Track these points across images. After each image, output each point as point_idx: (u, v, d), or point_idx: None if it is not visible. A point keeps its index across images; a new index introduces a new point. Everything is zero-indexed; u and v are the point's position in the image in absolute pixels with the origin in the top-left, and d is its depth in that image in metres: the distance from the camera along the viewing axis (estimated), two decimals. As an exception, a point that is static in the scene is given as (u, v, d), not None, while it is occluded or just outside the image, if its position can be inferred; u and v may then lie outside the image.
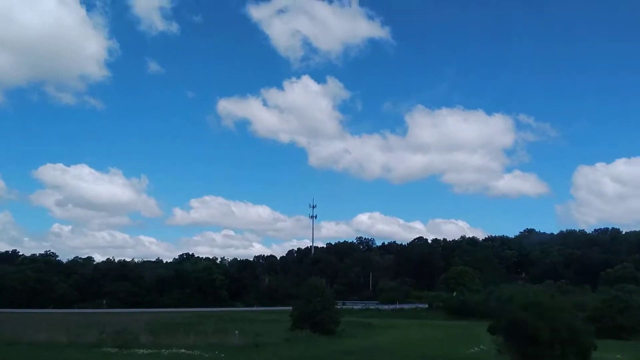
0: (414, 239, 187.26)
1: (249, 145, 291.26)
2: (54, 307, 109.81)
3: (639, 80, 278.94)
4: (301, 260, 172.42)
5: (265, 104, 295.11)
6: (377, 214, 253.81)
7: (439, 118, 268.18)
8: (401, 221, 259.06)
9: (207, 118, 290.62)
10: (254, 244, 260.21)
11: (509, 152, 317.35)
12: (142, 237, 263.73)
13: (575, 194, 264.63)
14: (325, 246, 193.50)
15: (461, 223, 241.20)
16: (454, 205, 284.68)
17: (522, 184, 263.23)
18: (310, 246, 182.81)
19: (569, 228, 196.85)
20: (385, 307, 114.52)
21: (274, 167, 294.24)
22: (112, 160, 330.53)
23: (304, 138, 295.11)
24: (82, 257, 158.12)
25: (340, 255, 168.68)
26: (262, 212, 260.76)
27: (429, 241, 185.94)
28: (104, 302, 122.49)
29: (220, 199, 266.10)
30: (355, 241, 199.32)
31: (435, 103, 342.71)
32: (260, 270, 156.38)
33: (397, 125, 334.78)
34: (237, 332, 48.14)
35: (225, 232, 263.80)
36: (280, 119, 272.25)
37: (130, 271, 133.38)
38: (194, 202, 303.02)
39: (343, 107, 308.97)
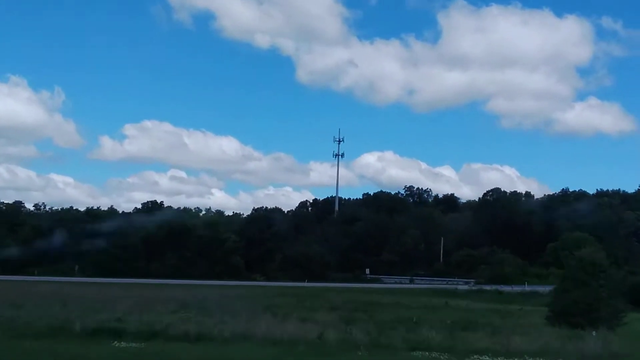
0: (487, 192, 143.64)
1: (212, 50, 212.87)
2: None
3: None
4: (320, 216, 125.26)
5: None
6: (389, 154, 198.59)
7: (486, 19, 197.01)
8: (424, 165, 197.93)
9: (151, 9, 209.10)
10: (214, 190, 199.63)
11: (584, 72, 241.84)
12: (54, 176, 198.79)
13: None
14: (349, 198, 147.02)
15: (508, 170, 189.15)
16: (500, 145, 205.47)
17: (599, 117, 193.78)
18: (334, 197, 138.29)
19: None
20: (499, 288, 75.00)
21: (247, 82, 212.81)
22: (11, 65, 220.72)
23: (291, 42, 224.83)
24: None
25: (388, 211, 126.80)
26: (227, 146, 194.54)
27: (523, 194, 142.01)
28: (76, 268, 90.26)
29: (167, 126, 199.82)
30: (402, 192, 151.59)
31: None
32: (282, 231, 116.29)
33: (425, 27, 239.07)
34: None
35: (173, 172, 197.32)
36: (258, 13, 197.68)
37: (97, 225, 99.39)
38: (129, 129, 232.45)
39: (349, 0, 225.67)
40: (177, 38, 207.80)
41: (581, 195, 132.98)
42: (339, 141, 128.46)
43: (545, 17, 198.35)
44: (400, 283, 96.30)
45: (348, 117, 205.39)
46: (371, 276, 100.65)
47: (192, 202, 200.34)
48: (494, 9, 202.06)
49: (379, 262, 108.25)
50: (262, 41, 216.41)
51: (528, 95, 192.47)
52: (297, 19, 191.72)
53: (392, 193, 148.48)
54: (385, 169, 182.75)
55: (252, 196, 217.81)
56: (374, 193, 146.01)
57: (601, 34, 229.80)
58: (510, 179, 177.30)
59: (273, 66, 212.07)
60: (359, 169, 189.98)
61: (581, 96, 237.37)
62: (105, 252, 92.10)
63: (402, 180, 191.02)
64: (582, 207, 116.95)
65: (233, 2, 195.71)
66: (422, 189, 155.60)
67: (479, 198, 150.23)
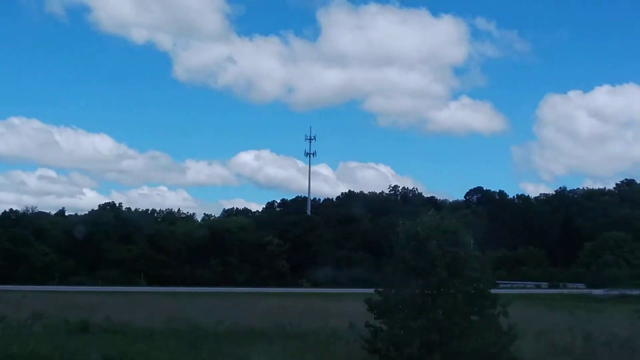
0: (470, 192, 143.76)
1: (86, 44, 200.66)
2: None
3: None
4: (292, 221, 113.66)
5: None
6: (266, 153, 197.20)
7: (365, 17, 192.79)
8: (300, 164, 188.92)
9: (21, 0, 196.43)
10: (85, 190, 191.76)
11: (459, 71, 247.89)
12: None
13: (539, 133, 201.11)
14: (319, 199, 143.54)
15: (383, 169, 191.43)
16: (376, 144, 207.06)
17: (471, 116, 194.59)
18: (300, 197, 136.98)
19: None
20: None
21: (122, 78, 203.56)
22: None
23: (168, 37, 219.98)
24: None
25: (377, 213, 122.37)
26: (100, 144, 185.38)
27: (533, 196, 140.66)
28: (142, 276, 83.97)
29: (35, 123, 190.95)
30: (387, 192, 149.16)
31: None
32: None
33: (305, 24, 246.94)
34: None
35: (41, 171, 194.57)
36: (135, 6, 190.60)
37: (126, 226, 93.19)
38: None
39: None
40: (48, 31, 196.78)
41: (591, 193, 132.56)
42: (310, 139, 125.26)
43: (422, 17, 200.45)
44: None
45: (226, 115, 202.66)
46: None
47: (61, 203, 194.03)
48: (373, 7, 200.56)
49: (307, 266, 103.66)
50: (139, 36, 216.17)
51: (405, 94, 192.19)
52: (176, 13, 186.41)
53: (373, 192, 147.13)
54: (262, 168, 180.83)
55: (125, 196, 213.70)
56: (345, 193, 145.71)
57: (476, 34, 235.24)
58: (385, 177, 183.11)
59: (149, 62, 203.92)
60: (235, 168, 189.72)
61: (455, 95, 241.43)
62: (147, 258, 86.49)
63: (279, 179, 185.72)
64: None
65: None
66: (407, 188, 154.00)
67: (465, 198, 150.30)
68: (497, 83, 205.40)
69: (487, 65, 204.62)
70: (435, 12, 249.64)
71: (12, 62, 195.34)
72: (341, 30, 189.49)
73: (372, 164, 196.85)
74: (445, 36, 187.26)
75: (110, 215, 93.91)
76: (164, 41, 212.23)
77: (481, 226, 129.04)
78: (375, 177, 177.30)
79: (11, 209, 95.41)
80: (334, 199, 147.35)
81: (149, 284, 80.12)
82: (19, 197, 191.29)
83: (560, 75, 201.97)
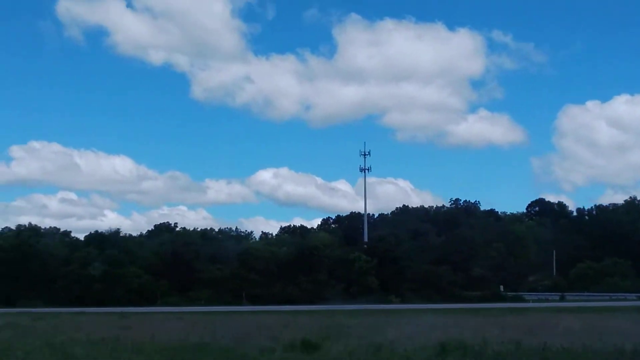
0: (557, 204, 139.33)
1: (104, 66, 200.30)
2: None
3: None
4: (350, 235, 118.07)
5: (130, 4, 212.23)
6: (284, 170, 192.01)
7: (381, 33, 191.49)
8: (319, 180, 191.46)
9: (40, 24, 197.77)
10: (106, 212, 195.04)
11: (476, 84, 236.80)
12: None
13: (558, 144, 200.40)
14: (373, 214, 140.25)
15: (403, 183, 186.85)
16: (395, 158, 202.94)
17: (489, 128, 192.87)
18: (355, 213, 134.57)
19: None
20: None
21: (140, 100, 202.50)
22: None
23: (186, 58, 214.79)
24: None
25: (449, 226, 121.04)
26: (120, 165, 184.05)
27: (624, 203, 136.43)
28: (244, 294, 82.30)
29: (56, 146, 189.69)
30: (448, 204, 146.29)
31: (376, 12, 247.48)
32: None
33: (321, 42, 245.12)
34: None
35: (62, 194, 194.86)
36: (152, 28, 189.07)
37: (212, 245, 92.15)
38: (16, 151, 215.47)
39: (247, 14, 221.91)
40: (66, 53, 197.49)
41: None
42: (365, 154, 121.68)
43: (438, 31, 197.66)
44: (548, 301, 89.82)
45: (244, 134, 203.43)
46: (511, 294, 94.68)
47: (83, 225, 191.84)
48: (389, 23, 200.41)
49: (469, 278, 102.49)
50: (156, 57, 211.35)
51: (422, 108, 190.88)
52: (193, 34, 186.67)
53: (430, 207, 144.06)
54: (281, 185, 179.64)
55: (145, 216, 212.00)
56: (399, 208, 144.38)
57: (492, 46, 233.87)
58: (404, 191, 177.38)
59: (167, 83, 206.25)
60: (254, 186, 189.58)
61: (473, 108, 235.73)
62: (240, 277, 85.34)
63: (298, 196, 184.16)
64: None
65: (126, 17, 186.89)
66: (469, 201, 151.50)
67: (526, 210, 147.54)
68: (515, 95, 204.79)
69: (504, 77, 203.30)
70: (451, 26, 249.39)
71: (31, 87, 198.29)
72: (357, 46, 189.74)
73: (392, 179, 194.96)
74: (461, 50, 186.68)
75: (197, 235, 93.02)
76: (182, 62, 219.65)
77: (555, 238, 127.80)
78: (394, 192, 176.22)
79: (96, 231, 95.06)
80: (389, 214, 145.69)
81: (253, 303, 78.93)
82: (41, 219, 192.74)
83: (578, 86, 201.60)
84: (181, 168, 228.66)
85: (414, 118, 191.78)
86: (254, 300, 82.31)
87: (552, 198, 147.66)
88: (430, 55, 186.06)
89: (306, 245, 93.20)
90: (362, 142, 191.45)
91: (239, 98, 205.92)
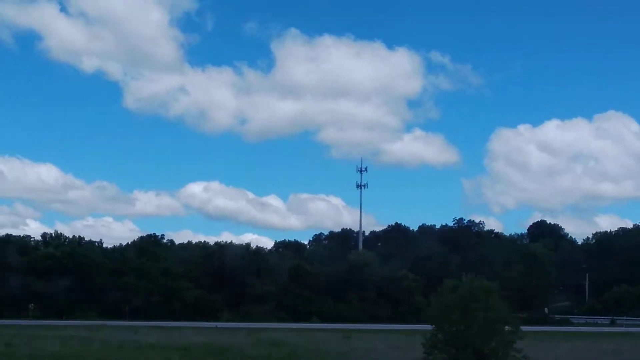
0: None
1: (34, 72, 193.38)
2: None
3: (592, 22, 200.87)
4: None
5: (64, 9, 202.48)
6: (215, 184, 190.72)
7: (319, 49, 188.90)
8: (251, 195, 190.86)
9: None
10: (29, 221, 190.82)
11: (413, 104, 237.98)
12: None
13: (489, 166, 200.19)
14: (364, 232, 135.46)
15: (335, 200, 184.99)
16: (327, 176, 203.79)
17: (423, 148, 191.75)
18: (356, 232, 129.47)
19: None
20: None
21: (70, 108, 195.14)
22: None
23: (119, 66, 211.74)
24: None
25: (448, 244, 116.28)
26: (46, 174, 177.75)
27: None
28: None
29: None
30: (452, 224, 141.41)
31: (316, 28, 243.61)
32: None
33: (259, 55, 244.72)
34: None
35: None
36: (86, 34, 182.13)
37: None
38: None
39: (185, 24, 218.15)
40: None
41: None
42: (361, 170, 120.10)
43: (377, 49, 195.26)
44: (597, 325, 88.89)
45: (177, 146, 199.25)
46: (559, 317, 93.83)
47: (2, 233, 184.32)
48: (327, 39, 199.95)
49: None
50: (89, 64, 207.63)
51: (358, 126, 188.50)
52: (128, 41, 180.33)
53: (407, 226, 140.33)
54: (212, 199, 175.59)
55: (69, 227, 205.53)
56: (392, 226, 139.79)
57: (430, 67, 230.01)
58: (336, 208, 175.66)
59: (99, 91, 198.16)
60: (184, 199, 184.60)
61: (408, 127, 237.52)
62: (293, 293, 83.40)
63: (228, 210, 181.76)
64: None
65: (59, 22, 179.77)
66: (473, 221, 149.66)
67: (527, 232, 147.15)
68: (450, 116, 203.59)
69: (440, 98, 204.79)
70: (390, 45, 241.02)
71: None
72: (295, 61, 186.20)
73: (323, 196, 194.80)
74: (399, 69, 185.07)
75: (242, 249, 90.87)
76: (115, 70, 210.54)
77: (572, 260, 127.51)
78: (325, 209, 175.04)
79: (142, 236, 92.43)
80: (381, 232, 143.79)
81: (305, 320, 77.13)
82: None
83: (511, 109, 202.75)
84: (109, 178, 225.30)
85: (349, 135, 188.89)
86: (305, 317, 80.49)
87: (479, 219, 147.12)
88: (369, 73, 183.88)
89: (355, 263, 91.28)
90: (294, 159, 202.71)
91: (173, 109, 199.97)
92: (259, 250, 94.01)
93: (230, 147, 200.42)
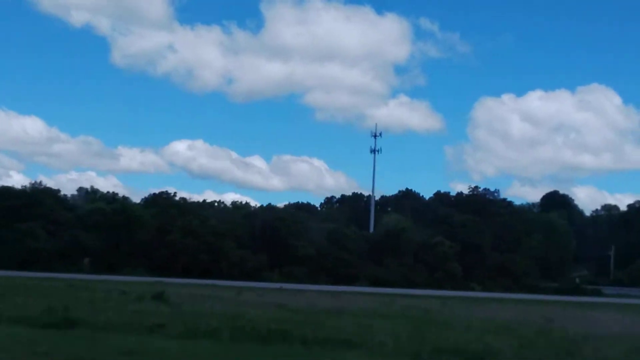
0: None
1: (22, 23, 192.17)
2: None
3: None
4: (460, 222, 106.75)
5: None
6: (199, 143, 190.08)
7: (309, 12, 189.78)
8: (234, 155, 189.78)
9: None
10: (12, 172, 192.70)
11: (400, 70, 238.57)
12: None
13: (472, 134, 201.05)
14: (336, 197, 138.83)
15: (317, 163, 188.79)
16: (311, 138, 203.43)
17: (408, 114, 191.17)
18: (367, 195, 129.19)
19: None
20: None
21: (58, 61, 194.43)
22: None
23: (108, 21, 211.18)
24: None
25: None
26: (31, 126, 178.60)
27: None
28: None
29: None
30: (469, 192, 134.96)
31: None
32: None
33: (248, 16, 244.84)
34: None
35: None
36: None
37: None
38: None
39: None
40: None
41: None
42: (375, 136, 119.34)
43: (366, 14, 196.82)
44: (630, 297, 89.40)
45: (163, 103, 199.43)
46: (591, 287, 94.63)
47: None
48: (318, 3, 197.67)
49: (540, 269, 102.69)
50: (77, 18, 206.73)
51: (345, 90, 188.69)
52: None
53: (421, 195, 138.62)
54: (196, 158, 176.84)
55: (53, 180, 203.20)
56: (402, 191, 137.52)
57: (419, 34, 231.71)
58: (318, 171, 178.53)
59: (86, 46, 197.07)
60: (168, 156, 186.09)
61: (394, 93, 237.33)
62: (333, 255, 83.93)
63: (212, 169, 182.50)
64: None
65: None
66: (488, 189, 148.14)
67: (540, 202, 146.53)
68: (436, 83, 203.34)
69: (428, 65, 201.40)
70: (380, 10, 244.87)
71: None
72: (285, 23, 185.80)
73: (306, 158, 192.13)
74: (388, 34, 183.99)
75: (281, 211, 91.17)
76: (104, 25, 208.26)
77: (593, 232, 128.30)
78: (307, 171, 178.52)
79: (183, 198, 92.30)
80: (392, 197, 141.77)
81: (347, 284, 77.58)
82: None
83: (496, 79, 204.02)
84: (94, 133, 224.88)
85: (335, 99, 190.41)
86: (348, 281, 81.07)
87: (461, 187, 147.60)
88: (357, 38, 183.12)
89: (393, 227, 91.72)
90: (279, 121, 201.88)
91: (161, 67, 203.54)
92: (297, 212, 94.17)
93: (216, 106, 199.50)
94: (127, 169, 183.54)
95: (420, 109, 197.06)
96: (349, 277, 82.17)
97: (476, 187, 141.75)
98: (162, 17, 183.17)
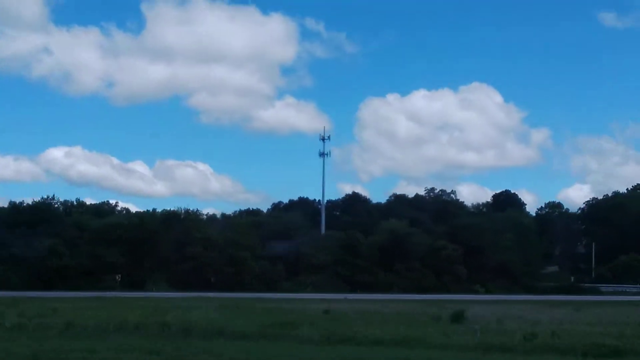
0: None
1: None
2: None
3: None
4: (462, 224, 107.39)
5: None
6: (78, 149, 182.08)
7: (192, 12, 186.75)
8: (115, 160, 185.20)
9: None
10: None
11: (287, 71, 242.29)
12: None
13: (359, 134, 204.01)
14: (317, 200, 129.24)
15: (202, 167, 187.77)
16: (196, 142, 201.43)
17: (295, 115, 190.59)
18: (317, 201, 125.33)
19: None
20: None
21: None
22: None
23: None
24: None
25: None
26: None
27: None
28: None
29: None
30: (425, 194, 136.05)
31: None
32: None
33: (128, 17, 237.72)
34: None
35: None
36: None
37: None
38: None
39: None
40: None
41: None
42: (324, 139, 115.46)
43: (251, 14, 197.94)
44: (626, 293, 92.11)
45: (38, 109, 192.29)
46: (588, 285, 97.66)
47: None
48: (201, 2, 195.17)
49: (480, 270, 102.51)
50: None
51: (230, 92, 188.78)
52: None
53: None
54: (74, 165, 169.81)
55: None
56: (349, 195, 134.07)
57: (305, 34, 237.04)
58: (204, 175, 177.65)
59: None
60: (45, 164, 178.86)
61: (281, 94, 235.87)
62: (348, 263, 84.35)
63: (91, 176, 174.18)
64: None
65: None
66: (445, 191, 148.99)
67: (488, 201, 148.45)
68: (323, 83, 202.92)
69: (314, 65, 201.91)
70: (265, 10, 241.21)
71: None
72: (167, 24, 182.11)
73: (191, 162, 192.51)
74: (274, 35, 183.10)
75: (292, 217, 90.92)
76: None
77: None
78: (192, 176, 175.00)
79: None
80: (339, 201, 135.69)
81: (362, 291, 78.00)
82: None
83: (381, 79, 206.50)
84: None
85: (220, 101, 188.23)
86: (361, 288, 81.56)
87: (348, 188, 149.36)
88: (242, 39, 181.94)
89: (399, 232, 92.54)
90: (163, 125, 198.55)
91: (36, 70, 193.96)
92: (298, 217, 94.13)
93: (96, 111, 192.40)
94: (1, 178, 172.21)
95: (306, 109, 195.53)
96: (364, 284, 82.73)
97: (432, 188, 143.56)
98: (36, 18, 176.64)
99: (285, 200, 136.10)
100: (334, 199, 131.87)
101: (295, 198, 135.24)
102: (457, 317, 29.42)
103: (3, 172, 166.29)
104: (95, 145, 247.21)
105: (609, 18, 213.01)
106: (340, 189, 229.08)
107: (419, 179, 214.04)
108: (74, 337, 22.12)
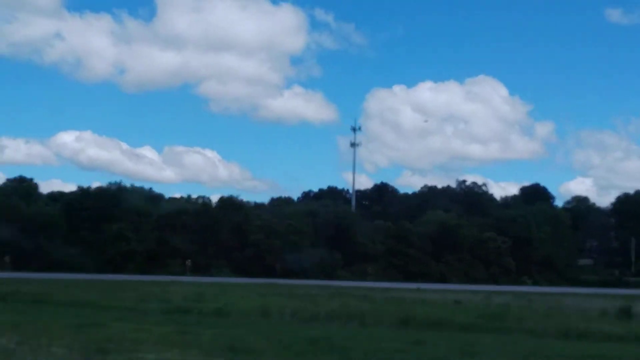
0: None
1: None
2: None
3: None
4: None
5: None
6: (88, 134, 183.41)
7: (203, 0, 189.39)
8: (124, 145, 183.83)
9: None
10: None
11: (296, 61, 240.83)
12: None
13: (365, 125, 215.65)
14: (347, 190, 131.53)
15: (210, 154, 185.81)
16: (205, 129, 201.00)
17: (303, 105, 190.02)
18: (341, 189, 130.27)
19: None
20: None
21: None
22: None
23: None
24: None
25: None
26: None
27: None
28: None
29: None
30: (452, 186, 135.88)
31: None
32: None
33: (140, 4, 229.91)
34: None
35: None
36: None
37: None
38: None
39: None
40: None
41: None
42: (355, 129, 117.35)
43: (261, 4, 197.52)
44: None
45: (50, 93, 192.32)
46: (633, 279, 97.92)
47: None
48: None
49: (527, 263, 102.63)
50: None
51: (239, 81, 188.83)
52: None
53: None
54: (84, 149, 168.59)
55: None
56: (377, 185, 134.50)
57: (314, 24, 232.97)
58: (212, 162, 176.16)
59: None
60: (55, 148, 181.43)
61: (289, 84, 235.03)
62: (401, 253, 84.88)
63: (101, 161, 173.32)
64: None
65: None
66: (477, 183, 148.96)
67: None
68: (331, 74, 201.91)
69: (323, 56, 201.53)
70: (275, 0, 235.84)
71: None
72: (178, 12, 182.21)
73: (199, 149, 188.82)
74: (284, 25, 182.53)
75: (341, 209, 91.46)
76: None
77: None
78: (200, 162, 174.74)
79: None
80: (367, 191, 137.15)
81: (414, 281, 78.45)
82: None
83: (388, 70, 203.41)
84: None
85: (230, 90, 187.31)
86: (413, 278, 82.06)
87: (350, 178, 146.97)
88: (253, 28, 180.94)
89: (449, 223, 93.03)
90: (173, 111, 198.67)
91: (48, 56, 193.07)
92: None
93: (106, 96, 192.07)
94: (11, 161, 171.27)
95: (314, 99, 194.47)
96: (417, 275, 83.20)
97: (464, 180, 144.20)
98: (49, 4, 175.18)
99: (316, 189, 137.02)
100: (345, 188, 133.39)
101: (325, 187, 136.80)
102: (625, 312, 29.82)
103: (14, 154, 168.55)
104: (106, 130, 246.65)
105: (615, 14, 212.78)
106: (345, 178, 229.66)
107: (424, 170, 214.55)
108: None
